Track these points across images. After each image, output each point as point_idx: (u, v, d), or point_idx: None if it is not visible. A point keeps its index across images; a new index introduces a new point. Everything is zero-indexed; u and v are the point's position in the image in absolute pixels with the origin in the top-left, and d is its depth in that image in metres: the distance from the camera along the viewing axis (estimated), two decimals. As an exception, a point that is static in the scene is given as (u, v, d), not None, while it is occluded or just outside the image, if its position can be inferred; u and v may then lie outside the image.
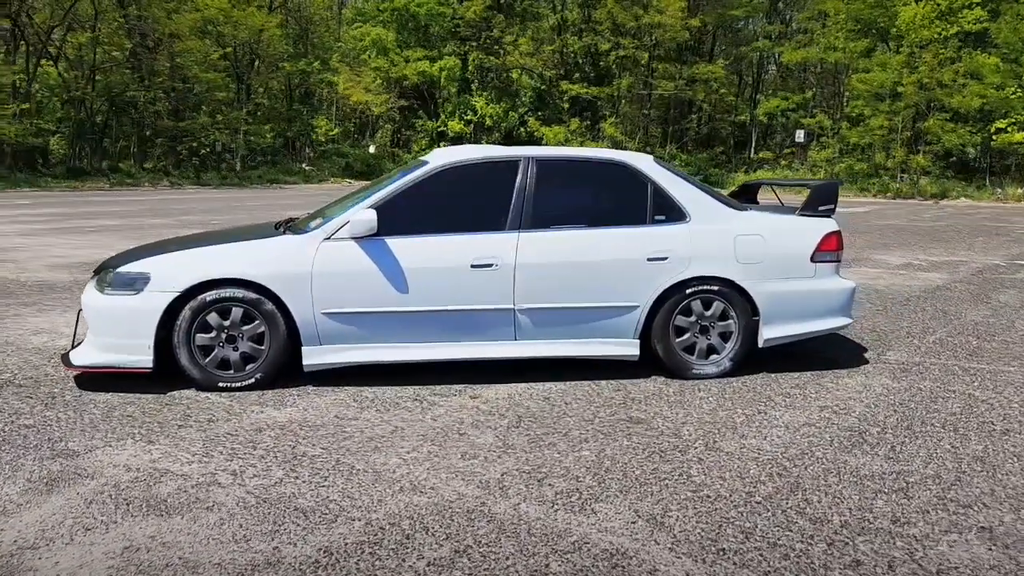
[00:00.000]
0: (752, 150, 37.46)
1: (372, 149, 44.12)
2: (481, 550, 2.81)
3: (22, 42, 32.30)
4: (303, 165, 39.47)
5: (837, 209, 5.35)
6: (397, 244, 4.71)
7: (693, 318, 5.01)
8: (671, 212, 5.01)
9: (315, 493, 3.26)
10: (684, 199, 5.04)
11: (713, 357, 5.06)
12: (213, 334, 4.58)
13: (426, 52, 35.13)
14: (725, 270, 4.97)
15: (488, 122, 34.99)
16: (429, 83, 35.81)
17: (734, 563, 2.73)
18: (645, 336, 4.99)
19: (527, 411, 4.35)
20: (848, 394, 4.72)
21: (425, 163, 5.03)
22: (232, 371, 4.63)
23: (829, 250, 5.14)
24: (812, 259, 5.09)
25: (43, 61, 34.48)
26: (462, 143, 37.03)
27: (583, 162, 5.23)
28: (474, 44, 34.14)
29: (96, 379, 4.68)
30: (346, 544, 2.84)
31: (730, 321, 5.04)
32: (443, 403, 4.49)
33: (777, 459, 3.70)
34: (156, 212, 17.91)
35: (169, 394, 4.52)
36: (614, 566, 2.71)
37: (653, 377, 5.02)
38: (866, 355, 5.69)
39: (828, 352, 5.71)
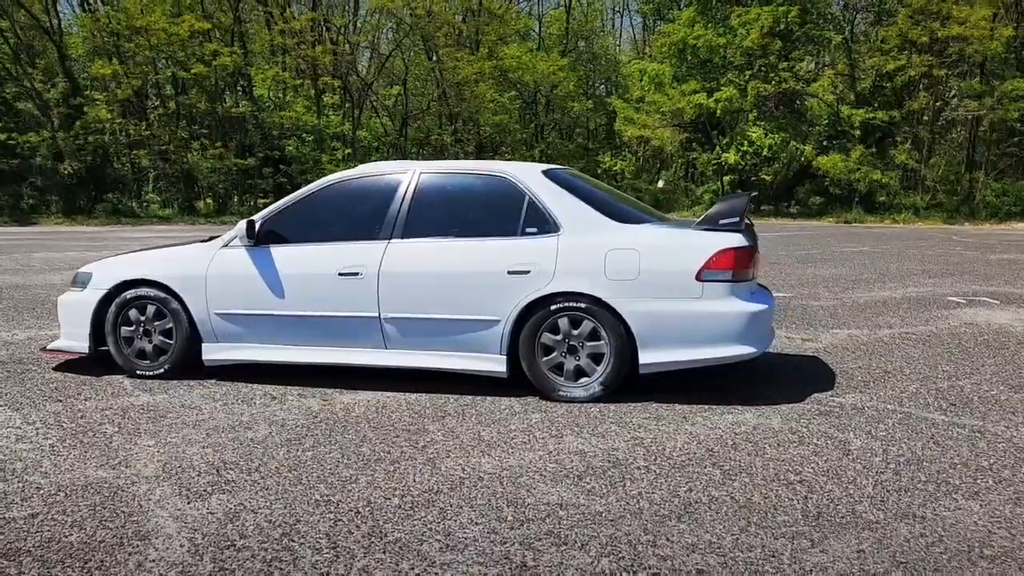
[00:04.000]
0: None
1: (660, 183, 44.22)
2: (55, 515, 3.09)
3: (348, 97, 37.77)
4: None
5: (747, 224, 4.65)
6: (279, 252, 5.09)
7: (560, 336, 4.69)
8: (543, 224, 4.77)
9: (38, 459, 3.76)
10: (560, 212, 4.76)
11: (583, 380, 4.68)
12: (133, 327, 5.33)
13: (703, 84, 34.58)
14: (591, 286, 4.59)
15: (766, 152, 33.32)
16: (708, 115, 35.14)
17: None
18: (514, 352, 4.79)
19: (345, 415, 4.44)
20: (698, 430, 4.10)
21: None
22: (148, 361, 5.33)
23: (722, 268, 4.49)
24: (698, 277, 4.49)
25: (369, 112, 40.06)
26: (739, 174, 35.84)
27: (465, 174, 5.16)
28: (750, 73, 32.83)
29: (80, 362, 5.63)
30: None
31: (601, 342, 4.63)
32: (293, 402, 4.75)
33: (471, 478, 3.43)
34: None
35: (104, 377, 5.34)
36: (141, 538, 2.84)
37: (529, 397, 4.78)
38: (819, 395, 4.80)
39: (777, 389, 4.92)
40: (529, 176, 4.93)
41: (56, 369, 5.57)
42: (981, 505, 3.14)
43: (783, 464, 3.60)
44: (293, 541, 2.84)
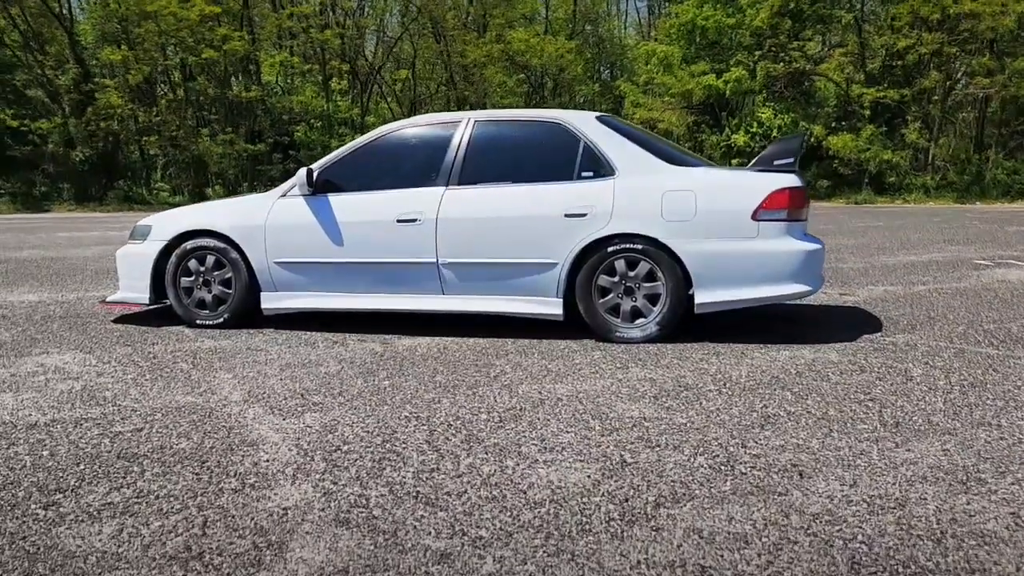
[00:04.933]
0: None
1: (668, 167, 44.09)
2: (159, 429, 3.21)
3: (356, 82, 37.78)
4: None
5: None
6: (337, 201, 5.19)
7: (616, 278, 4.79)
8: (599, 168, 4.86)
9: (124, 388, 3.88)
10: (615, 155, 4.85)
11: (639, 320, 4.78)
12: (192, 277, 5.44)
13: (712, 65, 34.58)
14: (649, 228, 4.69)
15: (776, 134, 33.33)
16: (717, 97, 35.15)
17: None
18: (570, 296, 4.89)
19: (409, 354, 4.54)
20: (759, 362, 4.21)
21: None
22: (207, 311, 5.44)
23: (777, 207, 4.58)
24: (754, 217, 4.58)
25: (376, 97, 40.08)
26: (749, 156, 35.77)
27: (520, 121, 5.26)
28: (760, 53, 32.82)
29: (138, 316, 5.74)
30: (75, 418, 3.41)
31: (657, 283, 4.73)
32: (355, 345, 4.86)
33: (550, 399, 3.54)
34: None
35: (164, 327, 5.46)
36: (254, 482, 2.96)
37: (586, 340, 4.88)
38: (871, 335, 4.91)
39: (828, 330, 5.03)
40: (583, 121, 5.02)
41: (115, 321, 5.69)
42: (1052, 415, 3.24)
43: (850, 387, 3.71)
44: (395, 446, 2.95)
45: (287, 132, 35.76)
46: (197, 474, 2.69)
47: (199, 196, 32.54)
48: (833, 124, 32.63)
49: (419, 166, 5.21)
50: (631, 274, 4.77)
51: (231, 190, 33.92)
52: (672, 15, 36.72)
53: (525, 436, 3.04)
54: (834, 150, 30.44)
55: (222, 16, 32.93)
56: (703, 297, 4.68)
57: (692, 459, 2.78)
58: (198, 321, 5.42)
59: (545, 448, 2.90)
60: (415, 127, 5.36)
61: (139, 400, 3.65)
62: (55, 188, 31.34)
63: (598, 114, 5.23)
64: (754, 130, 33.61)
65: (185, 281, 5.44)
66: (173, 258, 5.43)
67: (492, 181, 5.02)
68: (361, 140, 5.37)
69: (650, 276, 4.75)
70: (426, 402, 3.54)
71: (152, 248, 5.46)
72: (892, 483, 2.53)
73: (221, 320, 5.39)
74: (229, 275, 5.37)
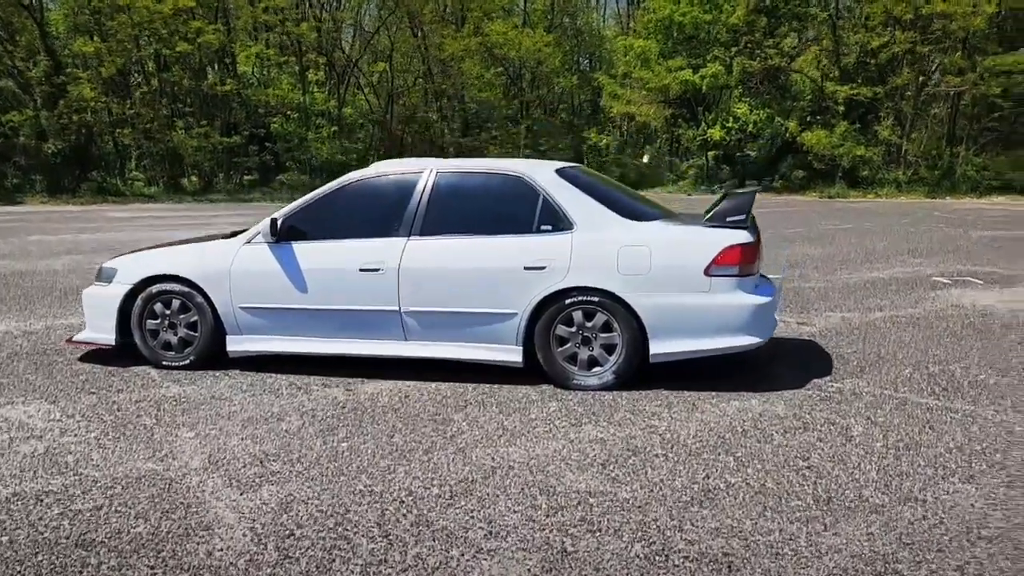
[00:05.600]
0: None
1: (645, 159, 44.46)
2: (118, 508, 3.30)
3: (333, 74, 37.55)
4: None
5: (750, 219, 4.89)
6: (301, 248, 5.27)
7: (574, 328, 4.92)
8: (557, 222, 4.97)
9: (87, 452, 3.95)
10: (573, 209, 4.97)
11: (596, 369, 4.92)
12: (158, 320, 5.50)
13: (689, 60, 34.74)
14: (605, 281, 4.82)
15: (751, 128, 33.61)
16: (694, 92, 35.34)
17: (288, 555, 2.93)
18: (530, 344, 5.01)
19: (371, 405, 4.65)
20: (708, 417, 4.36)
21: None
22: (173, 352, 5.52)
23: (729, 263, 4.73)
24: (707, 272, 4.73)
25: (354, 90, 39.86)
26: (724, 149, 36.07)
27: (481, 173, 5.35)
28: (736, 49, 33.02)
29: (102, 353, 5.79)
30: (36, 491, 3.49)
31: (614, 333, 4.87)
32: (317, 392, 4.96)
33: (502, 467, 3.66)
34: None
35: (130, 368, 5.52)
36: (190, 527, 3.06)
37: (544, 386, 5.01)
38: (819, 380, 5.07)
39: (779, 374, 5.19)
40: (543, 176, 5.13)
41: (82, 360, 5.74)
42: (977, 488, 3.42)
43: (791, 450, 3.87)
44: (347, 530, 3.06)
45: (263, 124, 35.54)
46: (152, 568, 2.79)
47: (174, 188, 32.30)
48: (808, 119, 32.90)
49: (381, 216, 5.29)
50: (588, 325, 4.90)
51: (207, 181, 33.70)
52: (650, 10, 36.75)
53: (473, 517, 3.17)
54: (809, 146, 30.72)
55: (196, 9, 32.56)
56: (657, 348, 4.82)
57: (630, 547, 2.91)
58: (164, 363, 5.49)
59: (491, 534, 3.02)
60: (377, 177, 5.43)
61: (100, 467, 3.73)
62: (27, 180, 30.95)
63: (559, 166, 5.34)
64: (730, 125, 33.86)
65: (151, 324, 5.50)
66: (139, 301, 5.49)
67: (453, 232, 5.12)
68: (324, 189, 5.44)
69: (607, 327, 4.88)
70: (381, 471, 3.66)
71: (117, 291, 5.51)
72: (813, 578, 2.68)
73: (187, 362, 5.47)
74: (195, 319, 5.44)
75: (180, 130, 32.36)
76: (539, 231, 4.99)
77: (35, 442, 4.07)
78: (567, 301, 4.89)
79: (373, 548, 2.92)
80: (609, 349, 4.90)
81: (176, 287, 5.43)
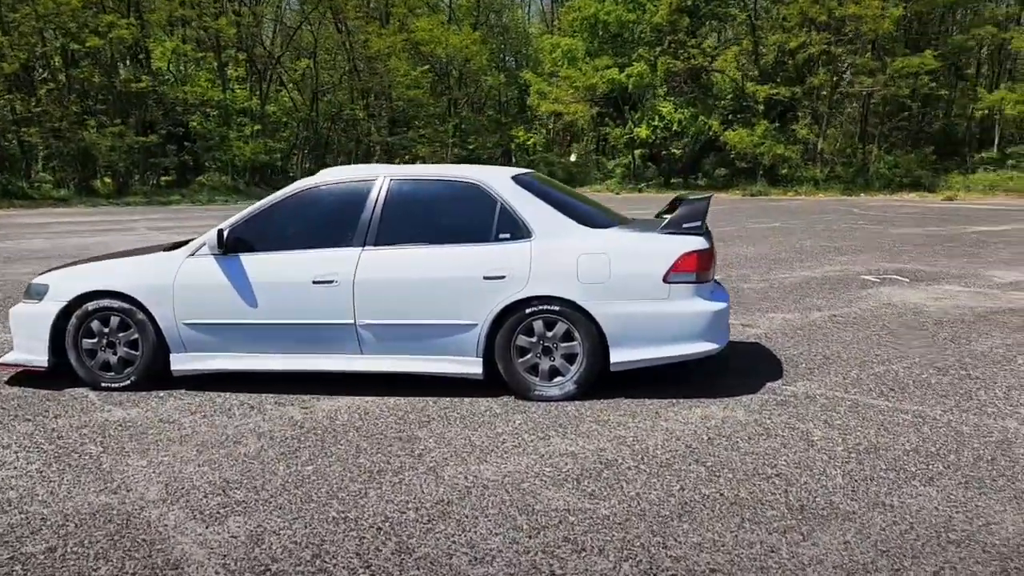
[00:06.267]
0: (977, 149, 33.47)
1: (573, 157, 44.89)
2: (75, 549, 3.10)
3: (255, 71, 36.62)
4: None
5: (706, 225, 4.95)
6: (250, 260, 5.08)
7: (535, 338, 4.89)
8: (516, 230, 4.93)
9: (30, 486, 3.72)
10: (531, 217, 4.93)
11: (557, 379, 4.90)
12: (96, 339, 5.23)
13: (616, 60, 35.19)
14: (565, 290, 4.80)
15: (676, 127, 34.26)
16: (620, 91, 35.81)
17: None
18: (490, 355, 4.95)
19: (330, 424, 4.52)
20: (673, 425, 4.39)
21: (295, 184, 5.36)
22: (112, 373, 5.25)
23: (687, 270, 4.77)
24: (665, 279, 4.76)
25: (277, 88, 38.95)
26: (650, 148, 36.67)
27: (436, 181, 5.28)
28: (660, 49, 33.60)
29: (32, 376, 5.45)
30: (-21, 528, 3.26)
31: (574, 343, 4.85)
32: (272, 411, 4.79)
33: (476, 486, 3.60)
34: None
35: (65, 390, 5.23)
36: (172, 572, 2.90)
37: (504, 397, 4.96)
38: (772, 384, 5.17)
39: (732, 379, 5.27)
40: (500, 183, 5.07)
41: (9, 383, 5.42)
42: (938, 490, 3.53)
43: (758, 458, 3.92)
44: (326, 563, 2.96)
45: (181, 122, 34.41)
46: (123, 614, 2.64)
47: (86, 190, 30.93)
48: (729, 118, 33.75)
49: (334, 225, 5.15)
50: (549, 334, 4.88)
51: (122, 183, 32.40)
52: (575, 8, 37.05)
53: (455, 542, 3.10)
54: (731, 144, 31.51)
55: (107, 2, 31.25)
56: (618, 356, 4.83)
57: (617, 567, 2.90)
58: (103, 384, 5.23)
59: (476, 559, 2.96)
60: (328, 185, 5.29)
61: (48, 503, 3.51)
62: (-75, 183, 29.17)
63: (514, 172, 5.30)
64: (656, 123, 34.43)
65: (87, 343, 5.23)
66: (74, 319, 5.20)
67: (409, 242, 5.03)
68: (272, 198, 5.27)
69: (567, 336, 4.86)
70: (352, 495, 3.55)
71: (50, 309, 5.22)
72: (802, 592, 2.71)
73: (128, 383, 5.22)
74: (135, 336, 5.20)
75: (92, 129, 31.01)
76: (498, 239, 4.94)
77: (-29, 476, 3.81)
78: (528, 311, 4.85)
79: (356, 581, 2.83)
80: (570, 359, 4.89)
81: (115, 303, 5.17)
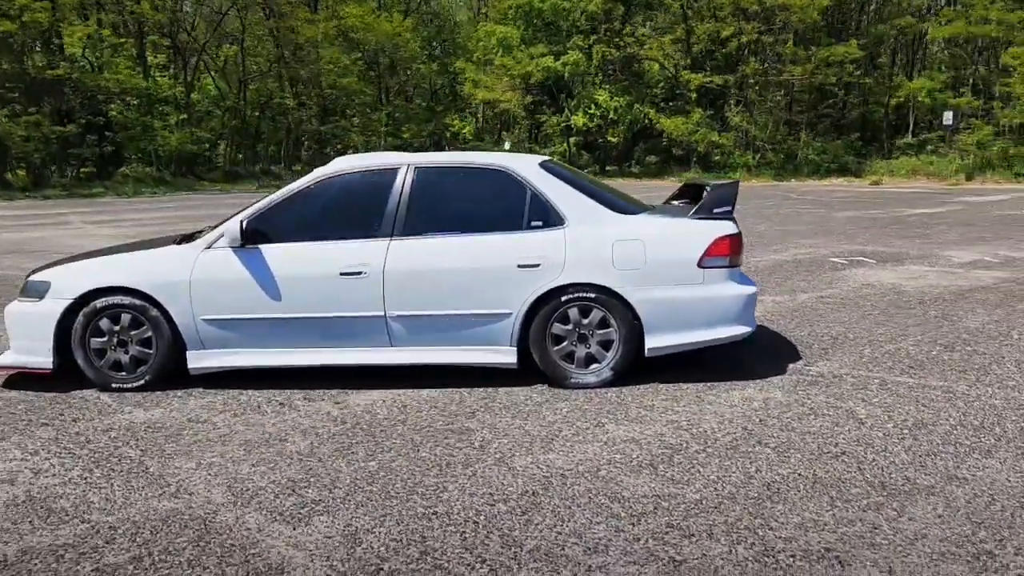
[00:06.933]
0: (892, 135, 34.92)
1: (507, 146, 44.81)
2: (162, 557, 2.93)
3: (179, 58, 35.30)
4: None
5: (736, 209, 5.01)
6: (272, 252, 4.89)
7: (570, 326, 4.86)
8: (548, 217, 4.88)
9: (81, 493, 3.49)
10: (563, 204, 4.89)
11: (593, 366, 4.88)
12: (105, 338, 4.95)
13: (551, 48, 35.28)
14: (601, 277, 4.78)
15: (612, 115, 34.62)
16: (555, 79, 35.93)
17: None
18: (524, 344, 4.90)
19: (372, 418, 4.40)
20: (719, 408, 4.42)
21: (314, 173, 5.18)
22: (124, 373, 4.98)
23: (720, 255, 4.82)
24: (700, 264, 4.79)
25: (202, 75, 37.64)
26: (586, 136, 36.95)
27: (462, 168, 5.19)
28: (596, 37, 33.86)
29: (29, 378, 5.12)
30: (48, 546, 3.04)
31: (610, 329, 4.84)
32: (304, 407, 4.63)
33: (554, 475, 3.56)
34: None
35: (72, 392, 4.94)
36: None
37: (538, 386, 4.92)
38: (794, 365, 5.27)
39: (754, 361, 5.35)
40: (528, 169, 5.01)
41: (6, 386, 5.09)
42: (1000, 462, 3.66)
43: (816, 437, 3.99)
44: (439, 560, 2.87)
45: (101, 111, 32.90)
46: (248, 624, 2.50)
47: (1, 183, 29.26)
48: (663, 105, 34.28)
49: (358, 215, 5.01)
50: (584, 321, 4.85)
51: (38, 174, 30.80)
52: (509, -5, 36.98)
53: (560, 533, 3.05)
54: (667, 132, 32.02)
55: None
56: (653, 342, 4.84)
57: (732, 549, 2.90)
58: (114, 385, 4.96)
59: (589, 548, 2.93)
60: (348, 173, 5.12)
61: (108, 511, 3.31)
62: None
63: (540, 159, 5.24)
64: (592, 111, 34.69)
65: (96, 342, 4.95)
66: (80, 317, 4.91)
67: (438, 231, 4.92)
68: (294, 186, 5.08)
69: (603, 323, 4.85)
70: (432, 490, 3.46)
71: (54, 307, 4.91)
72: (924, 565, 2.77)
73: (142, 383, 4.96)
74: (148, 334, 4.94)
75: (4, 118, 29.34)
76: (530, 227, 4.88)
77: (8, 487, 3.57)
78: (564, 298, 4.81)
79: (482, 575, 2.76)
80: (606, 345, 4.88)
81: (126, 300, 4.90)
